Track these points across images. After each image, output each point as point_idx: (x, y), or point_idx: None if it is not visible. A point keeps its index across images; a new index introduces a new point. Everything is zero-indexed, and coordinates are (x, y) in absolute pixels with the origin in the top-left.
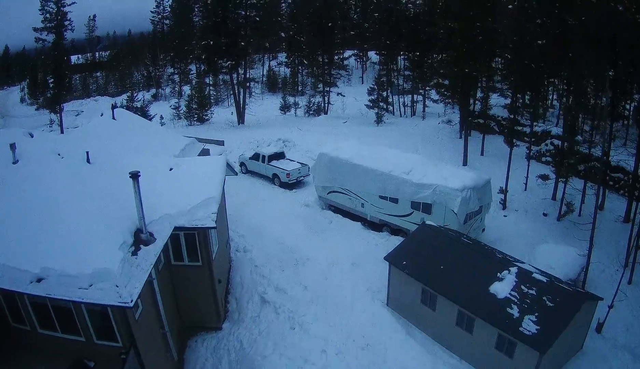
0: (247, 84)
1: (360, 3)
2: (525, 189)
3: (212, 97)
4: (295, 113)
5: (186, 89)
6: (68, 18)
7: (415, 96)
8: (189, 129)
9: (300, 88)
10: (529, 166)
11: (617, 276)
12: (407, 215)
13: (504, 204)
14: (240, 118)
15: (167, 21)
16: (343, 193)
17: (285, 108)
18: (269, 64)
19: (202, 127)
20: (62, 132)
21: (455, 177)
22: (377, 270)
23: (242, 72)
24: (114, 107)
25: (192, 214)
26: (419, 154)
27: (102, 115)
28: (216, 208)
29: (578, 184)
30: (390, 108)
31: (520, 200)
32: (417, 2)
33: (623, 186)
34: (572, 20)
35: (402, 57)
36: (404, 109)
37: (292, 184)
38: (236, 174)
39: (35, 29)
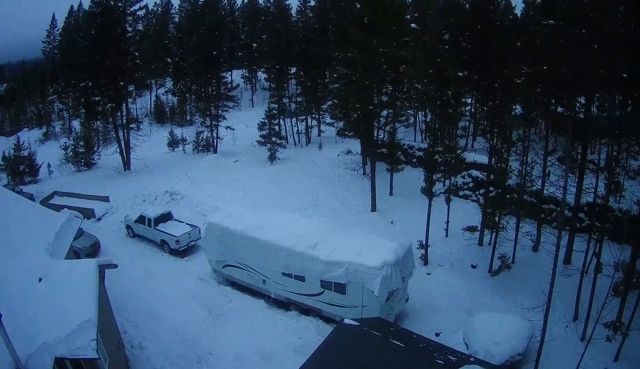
0: (132, 125)
1: (248, 22)
2: (447, 235)
3: (99, 138)
4: (184, 149)
5: (76, 124)
6: None
7: (309, 120)
8: (77, 176)
9: (188, 117)
10: (449, 208)
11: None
12: (318, 294)
13: (425, 259)
14: (126, 164)
15: (56, 51)
16: (240, 268)
17: (173, 144)
18: (156, 92)
19: (89, 173)
20: None
21: (371, 249)
22: (290, 365)
23: (125, 114)
24: None
25: (71, 342)
26: (324, 220)
27: None
28: (95, 333)
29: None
30: (284, 138)
31: (442, 251)
32: (308, 18)
33: (555, 219)
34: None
35: (293, 81)
36: (298, 137)
37: (183, 250)
38: (115, 266)
39: None
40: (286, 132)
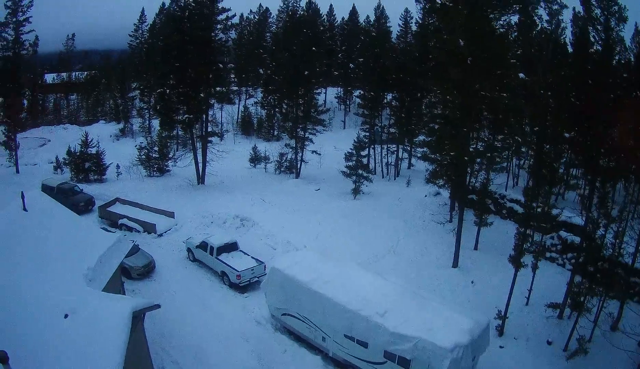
0: (210, 138)
1: (346, 41)
2: (527, 303)
3: (178, 143)
4: (266, 168)
5: (155, 124)
6: (25, 46)
7: (400, 151)
8: (146, 182)
9: (275, 132)
10: (534, 276)
11: None
12: (379, 364)
13: (500, 330)
14: (200, 178)
15: (144, 48)
16: (300, 320)
17: (255, 160)
18: (245, 102)
19: (161, 180)
20: (17, 171)
21: (444, 326)
22: None
23: (204, 125)
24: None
25: None
26: (398, 284)
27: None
28: None
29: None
30: (370, 172)
31: (520, 321)
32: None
33: None
34: None
35: (386, 111)
36: (387, 169)
37: (244, 285)
38: (157, 307)
39: None
40: (375, 162)
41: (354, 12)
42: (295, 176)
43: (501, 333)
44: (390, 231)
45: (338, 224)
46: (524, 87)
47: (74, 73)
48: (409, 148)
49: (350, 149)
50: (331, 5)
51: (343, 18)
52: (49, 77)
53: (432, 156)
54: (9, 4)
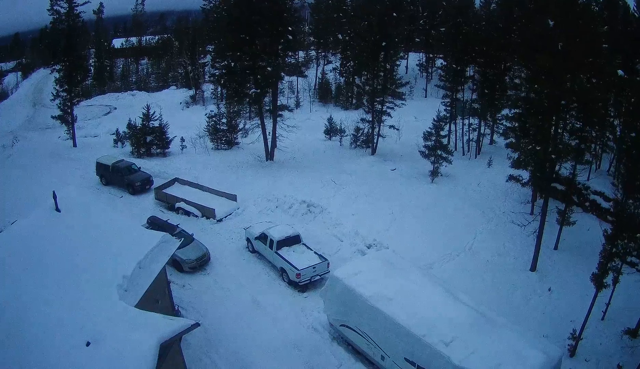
0: (279, 112)
1: (427, 9)
2: (603, 318)
3: (252, 112)
4: (341, 141)
5: None
6: (81, 18)
7: (482, 127)
8: (213, 156)
9: (354, 101)
10: (614, 289)
11: None
12: None
13: (572, 351)
14: (269, 154)
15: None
16: (359, 334)
17: (330, 132)
18: (323, 68)
19: (228, 154)
20: (74, 144)
21: (514, 362)
22: None
23: (272, 99)
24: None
25: None
26: (470, 307)
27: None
28: None
29: None
30: (450, 152)
31: (593, 339)
32: (492, 13)
33: None
34: None
35: (469, 84)
36: (468, 146)
37: (305, 284)
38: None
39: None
40: (455, 137)
41: None
42: (371, 151)
43: (573, 353)
44: (468, 225)
45: (412, 216)
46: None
47: (144, 37)
48: (491, 123)
49: (430, 128)
50: None
51: None
52: (117, 43)
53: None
54: None
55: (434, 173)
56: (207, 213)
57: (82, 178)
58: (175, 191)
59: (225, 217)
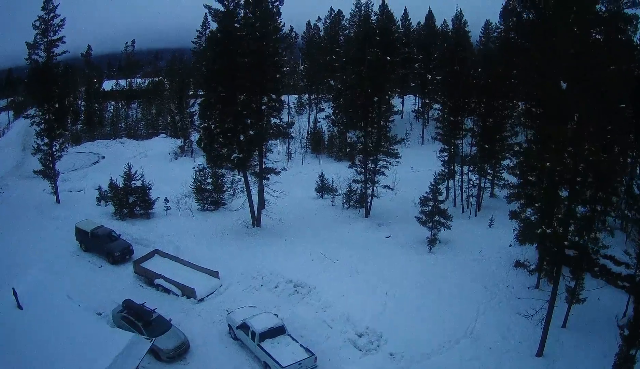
0: (266, 175)
1: (422, 51)
2: None
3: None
4: (333, 201)
5: None
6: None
7: (482, 181)
8: (197, 219)
9: (348, 150)
10: None
11: None
12: None
13: None
14: (255, 220)
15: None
16: None
17: (322, 190)
18: (315, 115)
19: (213, 217)
20: (57, 200)
21: None
22: None
23: (258, 162)
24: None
25: None
26: None
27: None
28: None
29: None
30: (450, 199)
31: None
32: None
33: None
34: None
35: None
36: (468, 202)
37: None
38: None
39: (28, 45)
40: (454, 193)
41: (430, 17)
42: (365, 213)
43: None
44: (469, 302)
45: (408, 295)
46: None
47: (136, 79)
48: (491, 173)
49: (426, 193)
50: (405, 9)
51: (419, 23)
52: (108, 85)
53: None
54: (37, 23)
55: (432, 241)
56: (188, 292)
57: (63, 240)
58: (154, 264)
59: (207, 296)
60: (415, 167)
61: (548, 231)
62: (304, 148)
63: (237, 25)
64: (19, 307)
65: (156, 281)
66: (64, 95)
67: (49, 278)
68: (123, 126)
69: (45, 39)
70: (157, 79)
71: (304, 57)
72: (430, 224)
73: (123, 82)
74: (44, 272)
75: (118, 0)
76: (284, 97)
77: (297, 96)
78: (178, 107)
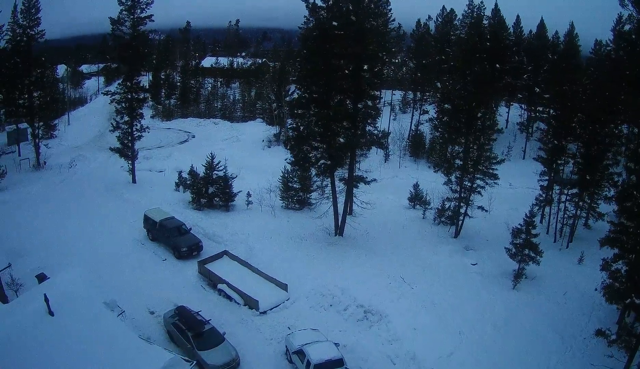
0: (355, 183)
1: (532, 62)
2: None
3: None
4: (424, 214)
5: None
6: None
7: (579, 202)
8: (279, 217)
9: (445, 166)
10: None
11: None
12: None
13: None
14: (338, 229)
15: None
16: None
17: (414, 200)
18: (419, 117)
19: (296, 217)
20: (134, 180)
21: None
22: None
23: (349, 168)
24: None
25: None
26: None
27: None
28: None
29: None
30: (544, 225)
31: None
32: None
33: None
34: None
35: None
36: (561, 230)
37: None
38: None
39: (112, 21)
40: (548, 220)
41: (542, 26)
42: (454, 233)
43: None
44: (542, 353)
45: (482, 338)
46: None
47: (236, 59)
48: (588, 203)
49: (519, 225)
50: (518, 15)
51: (530, 31)
52: (208, 62)
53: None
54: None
55: (518, 276)
56: (251, 303)
57: (130, 225)
58: (221, 267)
59: (271, 309)
60: (513, 183)
61: (637, 301)
62: (403, 151)
63: (335, 22)
64: (50, 313)
65: (219, 286)
66: (159, 68)
67: (97, 274)
68: (219, 106)
69: (132, 17)
70: (260, 60)
71: (412, 56)
72: (519, 257)
73: (224, 61)
74: (100, 263)
75: None
76: (388, 92)
77: (402, 92)
78: (276, 94)
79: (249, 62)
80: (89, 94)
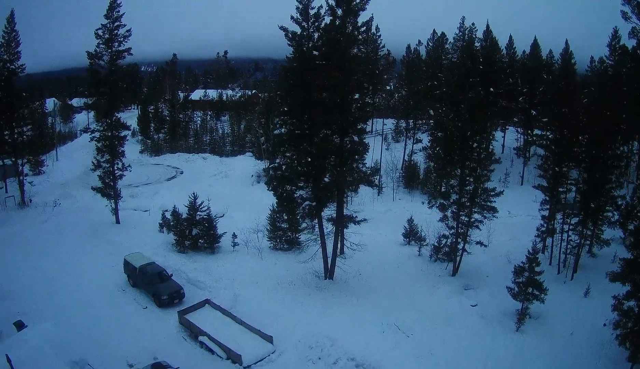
0: (348, 222)
1: (527, 84)
2: None
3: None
4: (419, 251)
5: None
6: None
7: (583, 230)
8: (266, 259)
9: (443, 189)
10: None
11: None
12: None
13: None
14: (328, 272)
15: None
16: None
17: (409, 236)
18: (412, 146)
19: (285, 258)
20: (117, 220)
21: None
22: None
23: (337, 208)
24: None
25: None
26: None
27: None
28: None
29: None
30: (546, 255)
31: None
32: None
33: None
34: None
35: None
36: (565, 259)
37: None
38: None
39: (89, 55)
40: (551, 251)
41: (535, 45)
42: (452, 270)
43: None
44: None
45: None
46: None
47: (225, 92)
48: (592, 230)
49: (522, 263)
50: (510, 36)
51: (524, 51)
52: (196, 95)
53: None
54: (100, 32)
55: (521, 317)
56: (233, 357)
57: (112, 270)
58: (202, 317)
59: (255, 363)
60: (512, 211)
61: None
62: (396, 181)
63: (315, 52)
64: None
65: (200, 338)
66: (147, 101)
67: (73, 324)
68: (208, 140)
69: (110, 50)
70: (250, 92)
71: (402, 83)
72: (522, 296)
73: (212, 93)
74: (79, 309)
75: (213, 8)
76: (379, 121)
77: (395, 121)
78: (264, 127)
79: (239, 94)
80: (79, 128)
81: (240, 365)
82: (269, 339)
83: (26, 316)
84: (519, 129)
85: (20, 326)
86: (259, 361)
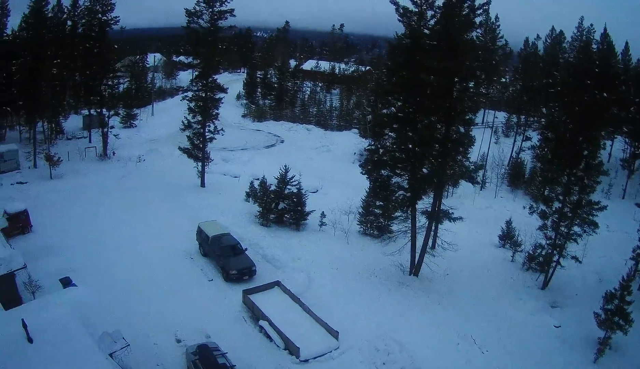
0: (443, 218)
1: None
2: None
3: None
4: (513, 256)
5: None
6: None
7: None
8: (352, 246)
9: (546, 192)
10: None
11: None
12: None
13: None
14: (413, 268)
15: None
16: None
17: (506, 238)
18: (521, 143)
19: (372, 246)
20: (202, 184)
21: None
22: None
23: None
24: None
25: None
26: None
27: None
28: None
29: None
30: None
31: None
32: None
33: None
34: None
35: None
36: None
37: None
38: None
39: (188, 12)
40: None
41: None
42: (542, 283)
43: None
44: None
45: None
46: None
47: (338, 64)
48: None
49: (615, 288)
50: (627, 42)
51: (639, 60)
52: (309, 65)
53: None
54: None
55: (602, 348)
56: (291, 348)
57: (183, 236)
58: (268, 300)
59: (315, 358)
60: (611, 225)
61: None
62: (500, 178)
63: (427, 31)
64: (29, 340)
65: (260, 323)
66: (257, 66)
67: (127, 289)
68: (314, 112)
69: (211, 9)
70: (365, 68)
71: (517, 76)
72: (607, 325)
73: (325, 65)
74: (138, 274)
75: None
76: (491, 113)
77: (506, 115)
78: (373, 105)
79: (352, 69)
80: (183, 85)
81: (297, 358)
82: (334, 334)
83: (77, 273)
84: (626, 140)
85: (67, 283)
86: (319, 356)
